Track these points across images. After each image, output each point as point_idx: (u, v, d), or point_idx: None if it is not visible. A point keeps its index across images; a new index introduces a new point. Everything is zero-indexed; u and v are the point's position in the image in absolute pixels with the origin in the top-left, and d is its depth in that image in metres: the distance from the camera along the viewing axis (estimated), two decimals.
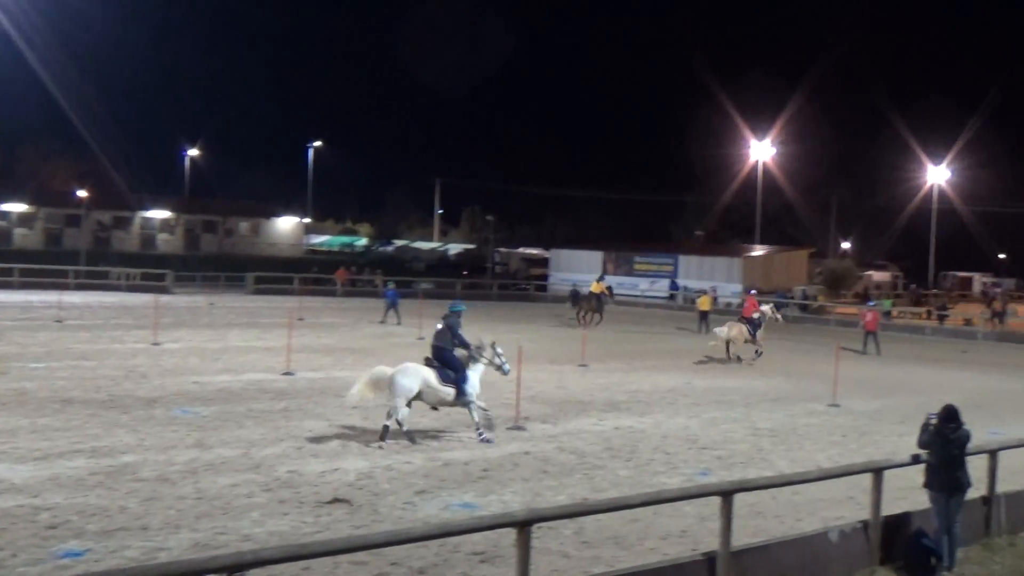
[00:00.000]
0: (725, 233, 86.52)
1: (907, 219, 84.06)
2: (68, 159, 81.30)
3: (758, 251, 65.96)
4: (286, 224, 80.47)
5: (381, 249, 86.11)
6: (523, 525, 7.90)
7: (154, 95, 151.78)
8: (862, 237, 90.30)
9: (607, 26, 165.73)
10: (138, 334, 28.98)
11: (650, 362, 27.90)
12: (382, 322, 36.17)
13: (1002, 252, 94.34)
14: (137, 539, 10.13)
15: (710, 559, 8.93)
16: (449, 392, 15.15)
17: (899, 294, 70.86)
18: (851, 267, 72.21)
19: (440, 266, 76.24)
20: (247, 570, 6.65)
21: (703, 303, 40.36)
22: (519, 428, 16.59)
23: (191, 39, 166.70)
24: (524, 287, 65.66)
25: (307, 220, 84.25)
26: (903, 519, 10.69)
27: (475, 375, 15.49)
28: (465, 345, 15.59)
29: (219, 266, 62.26)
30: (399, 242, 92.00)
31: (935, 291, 71.17)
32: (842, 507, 12.23)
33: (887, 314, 46.63)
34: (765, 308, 30.93)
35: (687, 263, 61.85)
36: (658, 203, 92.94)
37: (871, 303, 39.70)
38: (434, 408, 15.62)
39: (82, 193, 64.26)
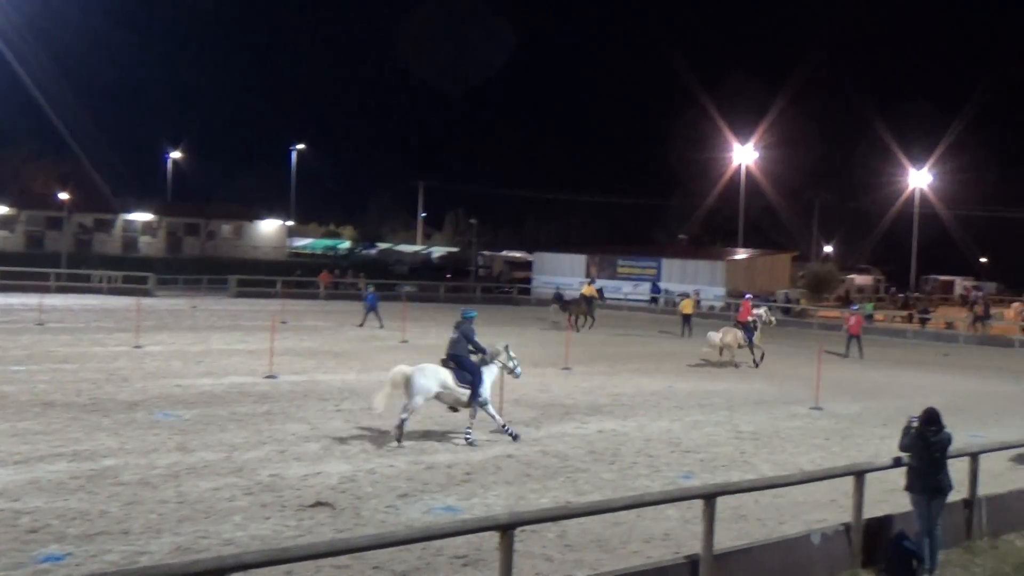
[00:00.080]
0: (708, 236, 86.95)
1: (889, 223, 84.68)
2: (50, 161, 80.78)
3: (741, 254, 66.20)
4: (269, 227, 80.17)
5: (364, 252, 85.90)
6: (506, 528, 7.90)
7: (136, 97, 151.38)
8: (844, 241, 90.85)
9: (591, 30, 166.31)
10: (120, 337, 28.87)
11: (633, 365, 27.93)
12: (360, 326, 36.11)
13: (983, 256, 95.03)
14: (118, 543, 10.07)
15: (693, 562, 8.96)
16: (465, 393, 15.41)
17: (881, 298, 71.26)
18: (833, 271, 72.69)
19: (423, 269, 76.09)
20: (229, 574, 6.62)
21: (686, 306, 40.48)
22: (505, 431, 16.56)
23: (174, 41, 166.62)
24: (507, 290, 65.44)
25: (290, 223, 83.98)
26: (885, 522, 10.73)
27: (489, 377, 15.75)
28: (481, 350, 15.80)
29: (201, 269, 62.08)
30: (382, 245, 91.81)
31: (917, 295, 71.58)
32: (824, 510, 12.27)
33: (869, 317, 46.90)
34: (760, 311, 30.99)
35: (670, 266, 62.03)
36: (641, 206, 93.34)
37: (854, 307, 39.99)
38: (453, 409, 15.80)
39: (64, 196, 64.01)
